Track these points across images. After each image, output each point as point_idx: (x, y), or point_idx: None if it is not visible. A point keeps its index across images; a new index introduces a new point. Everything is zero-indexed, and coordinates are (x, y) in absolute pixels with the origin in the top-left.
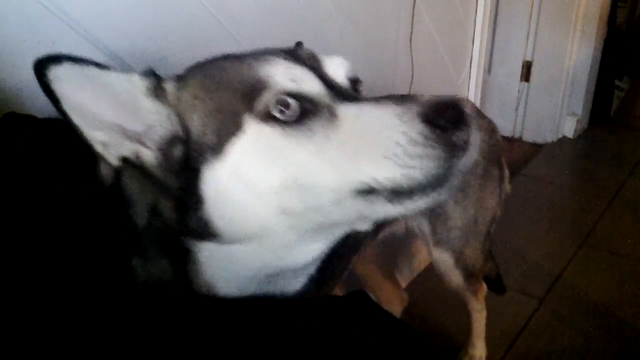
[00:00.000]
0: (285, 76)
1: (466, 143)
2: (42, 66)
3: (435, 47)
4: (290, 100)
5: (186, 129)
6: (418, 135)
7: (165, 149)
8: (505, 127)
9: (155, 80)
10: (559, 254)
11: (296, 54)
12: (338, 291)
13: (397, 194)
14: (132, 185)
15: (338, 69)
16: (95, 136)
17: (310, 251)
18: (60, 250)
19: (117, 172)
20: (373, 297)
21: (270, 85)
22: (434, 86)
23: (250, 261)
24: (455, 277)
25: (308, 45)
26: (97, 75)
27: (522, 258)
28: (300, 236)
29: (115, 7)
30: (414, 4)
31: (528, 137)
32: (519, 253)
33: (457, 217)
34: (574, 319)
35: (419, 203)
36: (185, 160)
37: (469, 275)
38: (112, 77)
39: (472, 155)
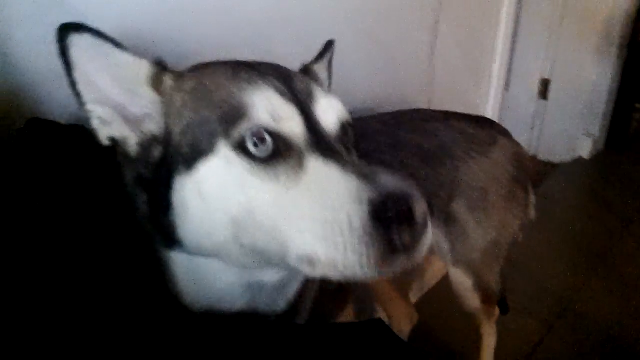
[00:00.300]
0: (268, 111)
1: (406, 246)
2: (64, 31)
3: (455, 64)
4: (267, 137)
5: (169, 134)
6: (361, 224)
7: (145, 146)
8: (521, 144)
9: (158, 71)
10: (570, 278)
11: (292, 85)
12: (349, 309)
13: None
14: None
15: (330, 111)
16: (96, 110)
17: (272, 274)
18: (81, 253)
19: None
20: (383, 315)
21: (251, 117)
22: (452, 103)
23: (218, 275)
24: (473, 300)
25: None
26: (112, 53)
27: (533, 280)
28: (256, 264)
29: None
30: (437, 21)
31: (543, 155)
32: (529, 275)
33: (478, 238)
34: (583, 346)
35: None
36: (162, 163)
37: (487, 298)
38: (124, 57)
39: (418, 253)
